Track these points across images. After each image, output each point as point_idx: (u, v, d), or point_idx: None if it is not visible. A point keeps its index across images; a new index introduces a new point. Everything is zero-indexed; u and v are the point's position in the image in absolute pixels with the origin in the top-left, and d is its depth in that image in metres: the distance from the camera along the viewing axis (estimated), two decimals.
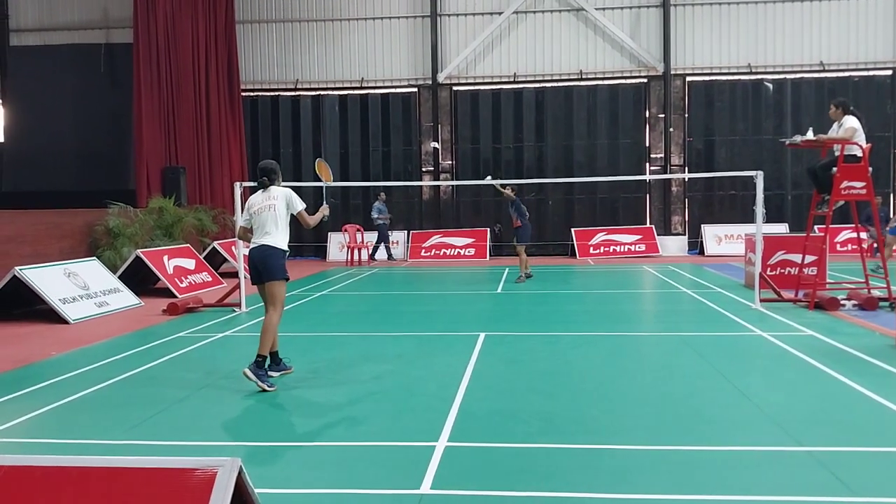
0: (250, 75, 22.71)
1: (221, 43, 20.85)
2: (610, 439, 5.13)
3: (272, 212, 6.96)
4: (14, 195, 20.29)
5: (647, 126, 21.91)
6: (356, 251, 20.29)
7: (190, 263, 14.77)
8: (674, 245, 21.53)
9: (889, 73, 21.11)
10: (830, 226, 11.19)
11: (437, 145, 22.27)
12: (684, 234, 21.86)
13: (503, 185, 15.16)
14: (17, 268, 10.84)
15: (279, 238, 6.96)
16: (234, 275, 12.89)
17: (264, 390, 6.49)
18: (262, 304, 7.05)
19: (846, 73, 21.17)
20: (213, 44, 20.56)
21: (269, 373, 6.85)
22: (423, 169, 22.42)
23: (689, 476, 4.46)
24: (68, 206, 15.06)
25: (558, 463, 4.74)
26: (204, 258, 16.08)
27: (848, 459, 4.67)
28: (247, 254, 7.13)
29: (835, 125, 10.81)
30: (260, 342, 6.74)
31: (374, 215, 20.74)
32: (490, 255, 21.29)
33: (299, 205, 7.12)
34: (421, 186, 22.38)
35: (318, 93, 22.91)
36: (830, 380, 6.66)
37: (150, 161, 18.78)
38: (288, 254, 7.09)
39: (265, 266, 6.86)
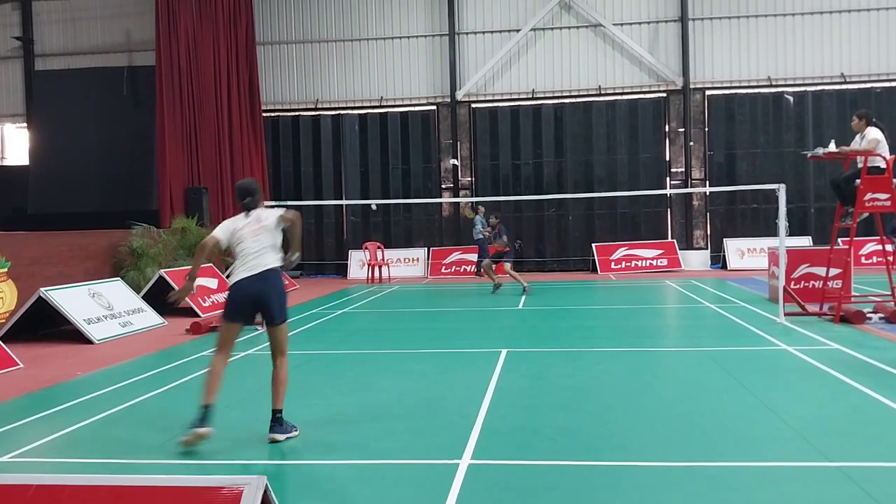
0: (271, 96, 22.91)
1: (242, 64, 21.08)
2: (635, 456, 5.09)
3: (267, 233, 5.87)
4: (39, 217, 20.56)
5: (667, 140, 21.84)
6: (376, 268, 20.33)
7: (213, 283, 14.88)
8: (696, 259, 21.38)
9: None
10: (855, 238, 11.09)
11: (456, 162, 22.32)
12: (706, 249, 21.71)
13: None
14: (42, 289, 10.96)
15: (277, 259, 5.90)
16: None
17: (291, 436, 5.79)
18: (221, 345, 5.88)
19: (868, 85, 21.01)
20: (235, 65, 20.79)
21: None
22: (443, 186, 22.46)
23: (716, 492, 4.41)
24: (92, 228, 15.22)
25: (584, 480, 4.71)
26: (226, 277, 16.18)
27: (878, 475, 4.61)
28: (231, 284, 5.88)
29: (857, 136, 10.73)
30: (279, 394, 5.85)
31: (481, 228, 20.59)
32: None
33: (281, 210, 5.99)
34: (441, 203, 22.41)
35: (338, 112, 23.05)
36: (858, 394, 6.58)
37: (172, 182, 18.99)
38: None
39: (272, 302, 5.82)
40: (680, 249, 21.34)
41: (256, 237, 5.81)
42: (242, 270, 5.79)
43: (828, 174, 18.61)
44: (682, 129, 21.61)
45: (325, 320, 12.87)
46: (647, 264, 21.16)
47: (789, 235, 12.12)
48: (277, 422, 5.74)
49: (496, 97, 22.29)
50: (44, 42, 23.43)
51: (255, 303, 5.81)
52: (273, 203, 13.32)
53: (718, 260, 21.46)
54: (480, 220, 20.64)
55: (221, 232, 5.92)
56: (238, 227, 5.88)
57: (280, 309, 5.87)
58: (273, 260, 5.83)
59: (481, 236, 20.62)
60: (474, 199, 21.93)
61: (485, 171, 22.49)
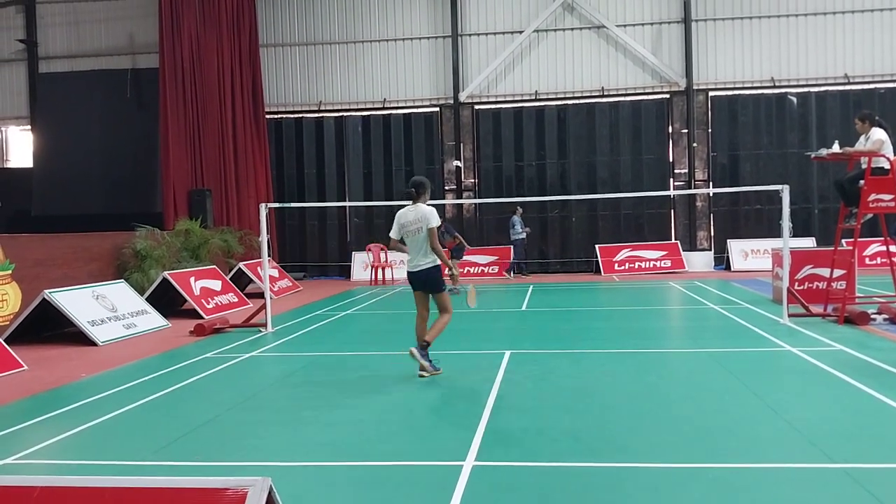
0: (274, 98, 22.96)
1: (246, 66, 21.11)
2: (640, 457, 5.08)
3: (421, 234, 7.80)
4: (43, 219, 20.59)
5: (671, 141, 21.83)
6: (380, 270, 20.34)
7: (216, 285, 14.89)
8: (699, 261, 21.36)
9: None
10: (859, 239, 11.07)
11: (459, 164, 22.33)
12: (710, 250, 21.69)
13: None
14: (46, 291, 10.98)
15: (431, 257, 7.84)
16: (260, 295, 12.97)
17: (426, 374, 7.76)
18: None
19: (871, 85, 20.99)
20: (238, 67, 20.82)
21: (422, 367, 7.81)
22: (446, 188, 22.47)
23: (721, 494, 4.41)
24: (96, 230, 15.24)
25: (588, 482, 4.70)
26: (230, 279, 16.21)
27: (883, 476, 4.60)
28: (405, 272, 8.18)
29: (861, 137, 10.72)
30: (432, 332, 7.83)
31: (520, 229, 20.69)
32: (514, 273, 21.24)
33: (433, 221, 7.78)
34: (444, 205, 22.42)
35: (341, 114, 23.08)
36: (862, 395, 6.56)
37: (176, 184, 19.01)
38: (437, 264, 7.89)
39: (429, 282, 7.92)
40: (683, 251, 21.33)
41: (414, 237, 7.84)
42: (409, 264, 7.99)
43: (831, 175, 18.61)
44: (686, 131, 21.60)
45: (328, 322, 12.88)
46: (651, 265, 21.14)
47: (793, 236, 12.09)
48: (424, 349, 7.81)
49: (499, 99, 22.30)
50: (48, 44, 23.48)
51: (421, 283, 7.97)
52: (277, 205, 13.34)
53: (722, 261, 21.44)
54: (519, 220, 20.63)
55: (395, 230, 8.02)
56: (403, 224, 7.93)
57: (435, 284, 7.92)
58: (426, 262, 7.83)
59: (522, 237, 20.62)
60: (477, 201, 21.96)
61: (488, 173, 22.50)
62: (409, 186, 8.06)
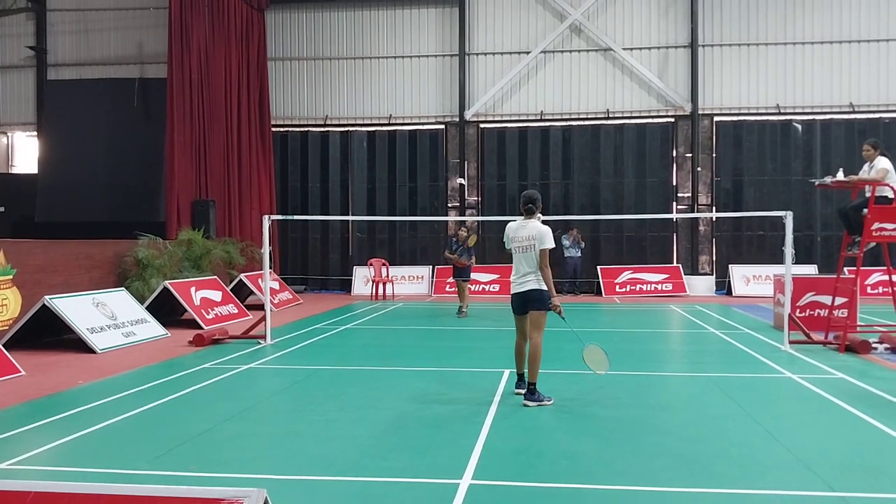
0: (281, 111, 23.06)
1: (253, 79, 21.19)
2: (638, 481, 5.05)
3: (531, 252, 7.43)
4: (47, 225, 20.61)
5: (675, 165, 21.87)
6: (381, 285, 20.32)
7: (217, 295, 14.88)
8: (701, 285, 21.34)
9: None
10: (861, 268, 11.04)
11: (463, 181, 22.37)
12: (712, 274, 21.67)
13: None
14: (46, 297, 10.96)
15: (536, 279, 7.45)
16: (260, 307, 12.96)
17: (543, 404, 7.28)
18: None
19: (876, 115, 21.04)
20: (246, 80, 20.91)
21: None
22: (449, 205, 22.51)
23: None
24: (99, 237, 15.25)
25: None
26: (231, 290, 16.19)
27: None
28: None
29: (865, 166, 10.71)
30: (533, 369, 7.40)
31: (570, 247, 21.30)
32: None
33: (548, 243, 7.42)
34: (446, 222, 22.45)
35: (346, 129, 23.17)
36: (862, 424, 6.53)
37: (180, 194, 19.01)
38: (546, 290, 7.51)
39: (529, 301, 7.48)
40: (685, 274, 21.31)
41: (521, 255, 7.51)
42: (513, 285, 7.65)
43: (835, 203, 18.63)
44: (690, 155, 21.64)
45: (328, 336, 12.85)
46: (652, 288, 21.12)
47: (795, 263, 12.08)
48: (530, 391, 7.38)
49: (504, 118, 22.37)
50: (57, 52, 23.60)
51: (524, 305, 7.55)
52: (280, 217, 13.36)
53: (723, 286, 21.41)
54: (569, 238, 20.94)
55: (506, 241, 7.75)
56: (512, 237, 7.63)
57: (535, 303, 7.45)
58: (531, 282, 7.44)
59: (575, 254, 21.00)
60: (480, 219, 21.98)
61: (491, 191, 22.53)
62: (525, 202, 7.66)
